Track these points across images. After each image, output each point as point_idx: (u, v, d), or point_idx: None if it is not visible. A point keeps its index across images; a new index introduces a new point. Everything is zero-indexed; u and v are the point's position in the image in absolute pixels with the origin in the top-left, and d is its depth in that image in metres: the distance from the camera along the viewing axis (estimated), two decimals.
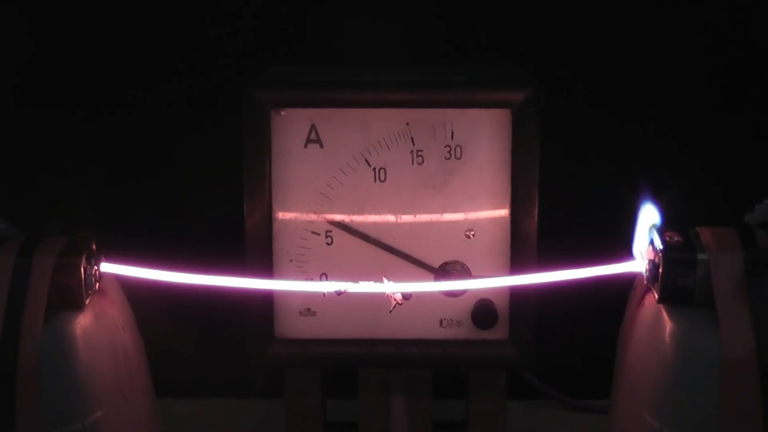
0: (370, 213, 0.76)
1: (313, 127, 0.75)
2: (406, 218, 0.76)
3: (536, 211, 0.74)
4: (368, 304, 0.76)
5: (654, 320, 0.66)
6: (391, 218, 0.76)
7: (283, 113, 0.75)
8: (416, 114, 0.74)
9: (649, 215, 0.69)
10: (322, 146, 0.75)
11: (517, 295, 0.75)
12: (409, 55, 0.93)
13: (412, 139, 0.75)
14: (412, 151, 0.75)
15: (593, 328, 0.82)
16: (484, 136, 0.74)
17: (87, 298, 0.68)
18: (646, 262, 0.68)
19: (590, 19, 0.92)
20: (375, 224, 0.76)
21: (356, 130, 0.75)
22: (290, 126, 0.75)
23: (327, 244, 0.76)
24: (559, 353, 0.88)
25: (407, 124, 0.75)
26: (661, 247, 0.66)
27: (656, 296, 0.67)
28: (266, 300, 0.76)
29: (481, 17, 0.92)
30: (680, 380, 0.64)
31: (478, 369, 0.78)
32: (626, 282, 0.72)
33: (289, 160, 0.75)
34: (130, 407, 0.71)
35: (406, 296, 0.76)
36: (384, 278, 0.75)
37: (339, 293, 0.75)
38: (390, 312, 0.76)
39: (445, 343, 0.77)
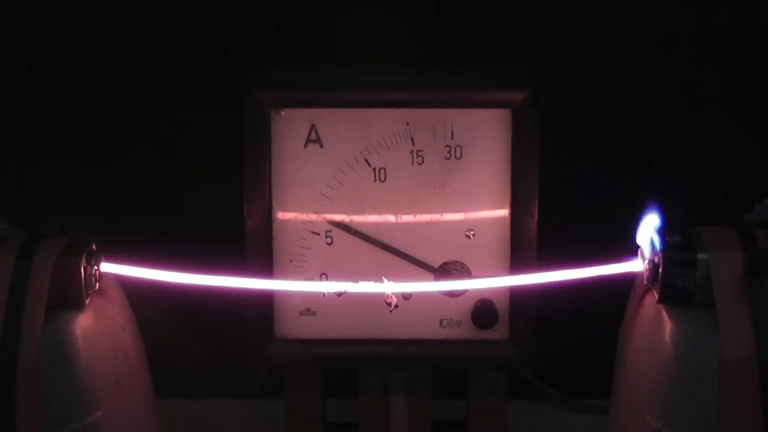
0: (370, 213, 0.76)
1: (313, 127, 0.75)
2: (406, 218, 0.76)
3: (536, 211, 0.74)
4: (368, 304, 0.76)
5: (654, 320, 0.66)
6: (391, 218, 0.76)
7: (283, 113, 0.75)
8: (416, 114, 0.74)
9: (649, 215, 0.69)
10: (322, 146, 0.75)
11: (517, 295, 0.75)
12: (409, 55, 0.93)
13: (412, 139, 0.75)
14: (412, 151, 0.75)
15: (593, 328, 0.82)
16: (484, 136, 0.74)
17: (87, 298, 0.68)
18: (646, 262, 0.68)
19: (591, 19, 0.92)
20: (375, 224, 0.76)
21: (356, 130, 0.75)
22: (290, 126, 0.75)
23: (327, 244, 0.76)
24: (559, 353, 0.88)
25: (407, 124, 0.75)
26: (661, 247, 0.66)
27: (656, 296, 0.67)
28: (266, 300, 0.76)
29: (482, 17, 0.92)
30: (680, 380, 0.63)
31: (478, 369, 0.78)
32: (626, 282, 0.71)
33: (289, 160, 0.75)
34: (130, 407, 0.71)
35: (407, 296, 0.76)
36: (384, 278, 0.75)
37: (339, 294, 0.75)
38: (390, 312, 0.76)
39: (445, 343, 0.77)
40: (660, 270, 0.66)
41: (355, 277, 0.75)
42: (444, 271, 0.76)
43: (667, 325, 0.64)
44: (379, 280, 0.75)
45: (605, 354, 0.73)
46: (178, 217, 0.95)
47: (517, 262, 0.75)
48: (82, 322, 0.67)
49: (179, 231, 0.94)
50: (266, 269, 0.75)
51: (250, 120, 0.74)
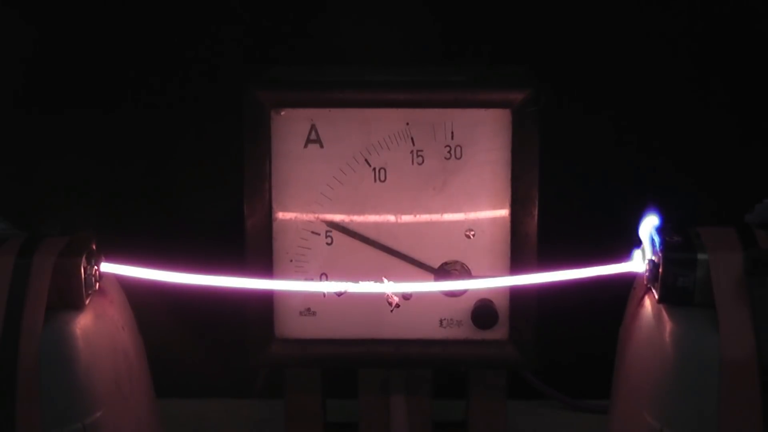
0: (370, 213, 0.76)
1: (313, 127, 0.75)
2: (406, 218, 0.76)
3: (536, 211, 0.74)
4: (368, 304, 0.76)
5: (654, 320, 0.66)
6: (391, 218, 0.76)
7: (283, 113, 0.75)
8: (416, 114, 0.74)
9: (649, 215, 0.69)
10: (322, 146, 0.75)
11: (517, 295, 0.75)
12: (410, 55, 0.93)
13: (412, 139, 0.75)
14: (412, 151, 0.75)
15: (593, 328, 0.82)
16: (484, 136, 0.74)
17: (87, 298, 0.68)
18: (646, 262, 0.68)
19: (590, 20, 0.92)
20: (375, 224, 0.76)
21: (356, 130, 0.75)
22: (290, 126, 0.75)
23: (327, 244, 0.76)
24: (559, 353, 0.88)
25: (407, 124, 0.75)
26: (661, 247, 0.66)
27: (656, 296, 0.67)
28: (266, 300, 0.76)
29: (481, 18, 0.92)
30: (680, 380, 0.64)
31: (478, 369, 0.78)
32: (626, 282, 0.71)
33: (289, 160, 0.75)
34: (130, 407, 0.71)
35: (407, 296, 0.76)
36: (384, 278, 0.75)
37: (339, 294, 0.75)
38: (391, 312, 0.76)
39: (445, 343, 0.77)
40: (660, 270, 0.66)
41: (355, 277, 0.75)
42: (444, 271, 0.76)
43: (667, 325, 0.64)
44: (379, 280, 0.75)
45: (605, 354, 0.73)
46: (178, 217, 0.95)
47: (517, 262, 0.75)
48: (82, 322, 0.67)
49: (179, 231, 0.94)
50: (266, 269, 0.75)
51: (250, 120, 0.74)
